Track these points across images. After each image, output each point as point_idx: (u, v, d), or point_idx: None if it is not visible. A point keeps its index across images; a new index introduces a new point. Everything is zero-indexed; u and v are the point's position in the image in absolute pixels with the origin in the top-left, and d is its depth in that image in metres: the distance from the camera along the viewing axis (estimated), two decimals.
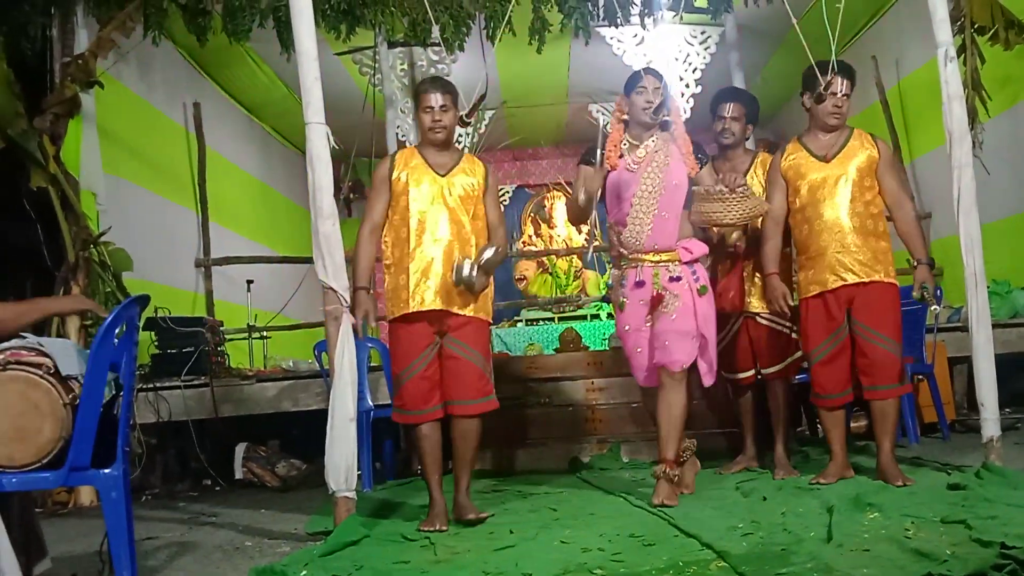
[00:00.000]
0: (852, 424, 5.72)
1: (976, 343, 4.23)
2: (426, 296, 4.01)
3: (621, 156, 4.22)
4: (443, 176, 4.12)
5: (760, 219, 4.41)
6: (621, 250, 4.21)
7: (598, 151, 4.12)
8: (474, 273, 3.93)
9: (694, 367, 4.16)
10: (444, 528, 3.92)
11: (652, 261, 4.15)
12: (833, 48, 4.50)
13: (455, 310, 4.03)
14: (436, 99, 4.09)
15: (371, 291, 4.08)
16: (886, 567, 2.79)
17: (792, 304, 4.48)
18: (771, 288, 4.45)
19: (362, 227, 4.14)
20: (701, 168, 4.26)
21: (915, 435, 5.54)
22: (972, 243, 4.25)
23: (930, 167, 7.56)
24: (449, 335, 4.06)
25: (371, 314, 4.04)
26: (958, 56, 5.04)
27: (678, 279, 4.12)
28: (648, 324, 4.17)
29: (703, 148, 4.37)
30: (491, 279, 4.13)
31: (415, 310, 4.01)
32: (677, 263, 4.15)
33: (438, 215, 4.07)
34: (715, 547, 3.15)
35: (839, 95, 4.32)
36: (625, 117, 4.29)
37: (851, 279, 4.23)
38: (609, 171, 4.20)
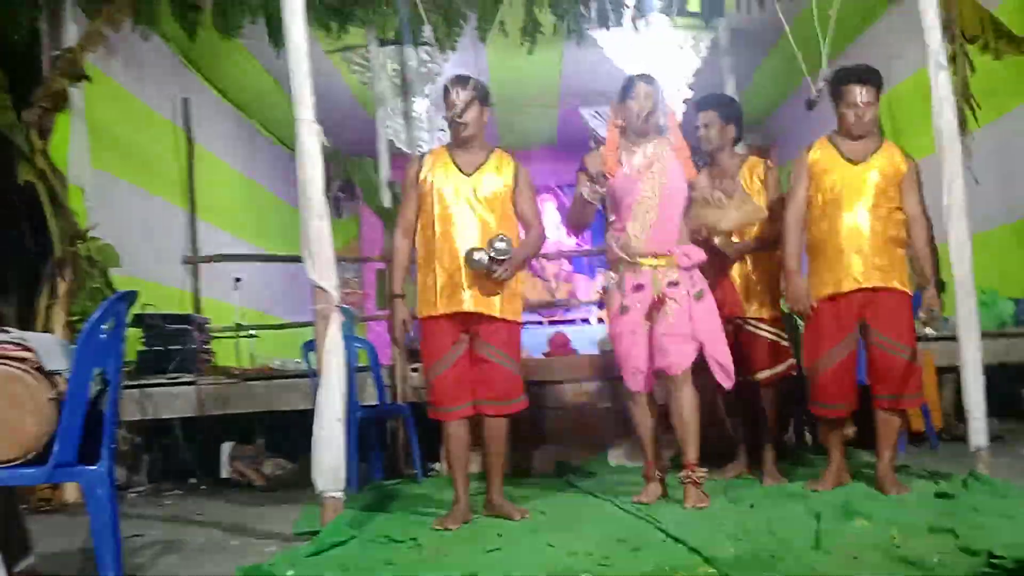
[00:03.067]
0: None
1: (964, 353, 4.24)
2: (455, 297, 4.06)
3: (620, 162, 4.23)
4: (469, 175, 4.15)
5: (758, 223, 4.39)
6: (620, 254, 4.21)
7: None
8: (483, 260, 3.98)
9: (701, 371, 4.18)
10: (455, 526, 3.96)
11: (651, 265, 4.16)
12: (824, 54, 4.52)
13: (484, 311, 4.08)
14: (457, 94, 4.12)
15: (405, 297, 4.16)
16: (874, 574, 2.79)
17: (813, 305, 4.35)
18: (794, 287, 4.30)
19: (396, 231, 4.23)
20: (699, 173, 4.28)
21: (903, 444, 5.55)
22: (961, 253, 4.25)
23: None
24: (480, 339, 4.11)
25: (408, 322, 4.13)
26: (948, 65, 5.04)
27: (676, 284, 4.14)
28: (644, 328, 4.17)
29: (701, 152, 4.38)
30: (516, 275, 4.15)
31: (443, 312, 4.06)
32: (675, 268, 4.16)
33: (464, 215, 4.10)
34: (702, 552, 3.14)
35: (860, 104, 4.26)
36: (621, 123, 4.29)
37: (866, 283, 4.18)
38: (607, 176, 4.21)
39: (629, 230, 4.18)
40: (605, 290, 4.30)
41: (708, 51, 8.34)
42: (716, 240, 4.66)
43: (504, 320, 4.12)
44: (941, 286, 4.28)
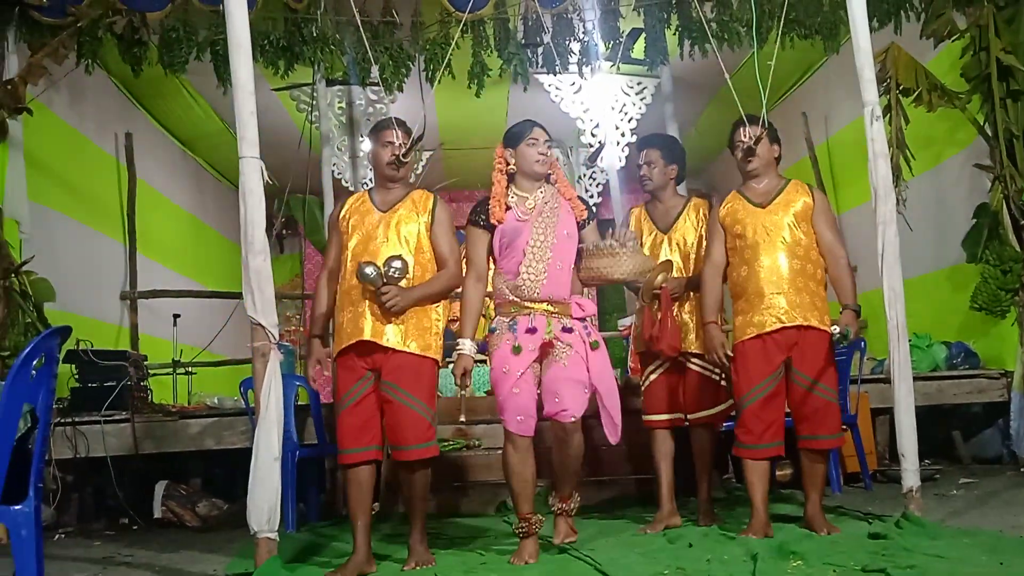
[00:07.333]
0: (777, 472, 5.69)
1: (898, 395, 4.30)
2: (355, 327, 3.97)
3: (508, 208, 4.11)
4: (384, 212, 4.11)
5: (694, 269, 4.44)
6: (513, 298, 4.05)
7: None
8: (372, 274, 3.88)
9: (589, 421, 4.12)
10: None
11: (545, 311, 4.02)
12: (764, 103, 4.59)
13: (382, 342, 3.95)
14: (397, 135, 4.13)
15: (326, 339, 4.20)
16: None
17: (728, 354, 4.40)
18: (709, 337, 4.38)
19: (319, 274, 4.25)
20: (589, 216, 4.20)
21: (838, 484, 5.62)
22: (895, 297, 4.33)
23: (856, 222, 7.76)
24: (383, 377, 3.96)
25: (323, 364, 4.11)
26: (884, 116, 5.17)
27: (570, 330, 4.03)
28: (533, 371, 4.00)
29: (587, 202, 4.36)
30: (428, 307, 4.04)
31: (345, 344, 4.00)
32: (569, 317, 4.07)
33: (374, 250, 4.02)
34: None
35: (746, 142, 4.38)
36: (511, 169, 4.17)
37: (789, 322, 4.22)
38: (495, 226, 4.09)
39: (524, 274, 4.01)
40: (492, 332, 4.09)
41: (652, 97, 8.50)
42: (659, 279, 4.66)
43: (412, 355, 3.97)
44: (857, 311, 4.33)
